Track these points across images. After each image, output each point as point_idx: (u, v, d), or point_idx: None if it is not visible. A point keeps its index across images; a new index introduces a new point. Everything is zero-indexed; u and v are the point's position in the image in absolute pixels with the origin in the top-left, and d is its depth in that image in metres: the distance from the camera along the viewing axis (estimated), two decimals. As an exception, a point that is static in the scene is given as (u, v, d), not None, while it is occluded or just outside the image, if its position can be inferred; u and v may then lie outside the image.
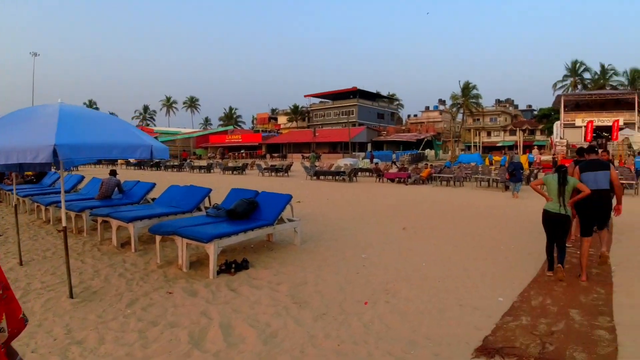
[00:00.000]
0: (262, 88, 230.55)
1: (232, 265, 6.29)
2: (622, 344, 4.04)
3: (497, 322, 4.58)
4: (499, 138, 78.30)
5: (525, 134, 71.62)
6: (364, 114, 77.51)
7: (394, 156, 40.89)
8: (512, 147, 64.90)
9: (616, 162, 36.25)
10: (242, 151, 68.20)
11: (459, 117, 77.66)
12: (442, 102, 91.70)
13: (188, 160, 45.12)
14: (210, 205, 9.80)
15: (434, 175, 22.56)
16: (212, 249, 5.97)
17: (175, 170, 37.12)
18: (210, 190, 9.40)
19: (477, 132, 77.82)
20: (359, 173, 28.65)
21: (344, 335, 4.27)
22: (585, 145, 38.29)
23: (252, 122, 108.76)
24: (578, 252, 6.66)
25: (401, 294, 5.44)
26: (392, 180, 23.42)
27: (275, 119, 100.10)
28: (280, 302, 5.15)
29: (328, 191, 18.70)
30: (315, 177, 25.79)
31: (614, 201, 6.58)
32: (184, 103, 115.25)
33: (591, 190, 5.95)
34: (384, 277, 6.13)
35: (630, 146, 41.25)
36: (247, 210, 7.20)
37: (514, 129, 75.65)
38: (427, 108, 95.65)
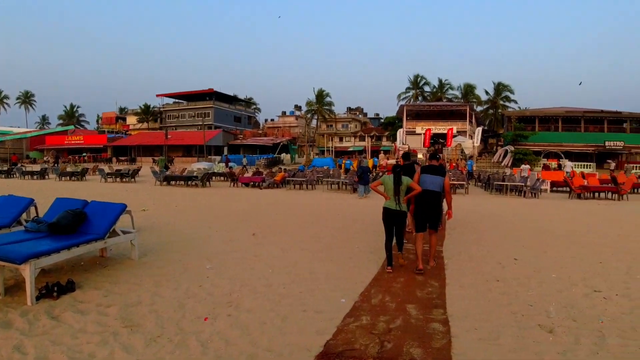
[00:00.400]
0: (110, 85, 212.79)
1: (54, 288, 5.48)
2: (455, 335, 4.37)
3: (339, 325, 4.64)
4: (350, 143, 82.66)
5: (373, 140, 76.53)
6: (221, 116, 76.11)
7: (244, 160, 40.62)
8: (362, 152, 69.02)
9: (447, 166, 40.83)
10: (84, 154, 62.09)
11: (314, 122, 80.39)
12: (298, 107, 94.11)
13: (19, 165, 39.59)
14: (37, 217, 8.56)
15: (287, 179, 22.89)
16: (27, 271, 5.13)
17: (3, 176, 32.26)
18: (32, 200, 8.18)
19: (331, 138, 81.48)
20: (213, 178, 27.97)
21: (180, 358, 3.94)
22: (424, 150, 42.18)
23: (97, 122, 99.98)
24: (414, 248, 7.22)
25: (244, 305, 5.24)
26: (247, 185, 23.23)
27: (124, 119, 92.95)
28: (108, 327, 4.60)
29: (178, 198, 17.80)
30: (165, 183, 24.47)
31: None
32: (17, 98, 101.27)
33: (425, 190, 6.83)
34: (228, 288, 5.88)
35: (462, 151, 46.61)
36: (73, 223, 6.36)
37: (363, 135, 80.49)
38: (284, 113, 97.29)
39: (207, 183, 24.22)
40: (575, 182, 19.23)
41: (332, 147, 70.76)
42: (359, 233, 9.91)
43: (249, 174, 26.33)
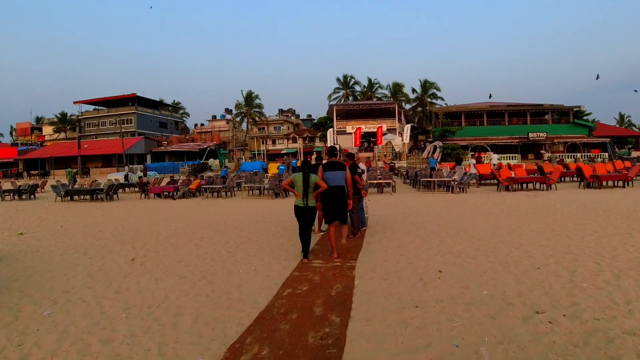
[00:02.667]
0: (25, 93, 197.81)
1: None
2: None
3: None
4: (283, 145, 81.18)
5: (306, 141, 75.75)
6: (145, 123, 71.85)
7: (139, 168, 37.54)
8: (295, 154, 67.67)
9: (380, 164, 40.20)
10: (-9, 170, 56.37)
11: (244, 125, 78.07)
12: (228, 111, 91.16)
13: None
14: None
15: (203, 186, 20.88)
16: None
17: None
18: None
19: (264, 141, 79.57)
20: (126, 189, 25.41)
21: None
22: (356, 149, 41.56)
23: (11, 133, 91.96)
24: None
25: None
26: (159, 195, 21.00)
27: (40, 130, 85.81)
28: None
29: (72, 216, 15.41)
30: (68, 199, 21.65)
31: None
32: None
33: (329, 186, 7.13)
34: (50, 348, 4.17)
35: (393, 149, 46.32)
36: None
37: (296, 136, 79.31)
38: (214, 117, 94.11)
39: (115, 196, 21.67)
40: (503, 175, 18.67)
41: (263, 150, 69.09)
42: (262, 248, 8.32)
43: (163, 184, 23.98)
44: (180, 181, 22.38)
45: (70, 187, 25.99)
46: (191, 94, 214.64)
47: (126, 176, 31.37)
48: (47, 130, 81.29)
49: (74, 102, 74.67)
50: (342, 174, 7.34)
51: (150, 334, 4.47)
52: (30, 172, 54.74)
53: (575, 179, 22.15)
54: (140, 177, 24.21)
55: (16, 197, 23.89)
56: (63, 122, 77.16)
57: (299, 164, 29.69)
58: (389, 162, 37.53)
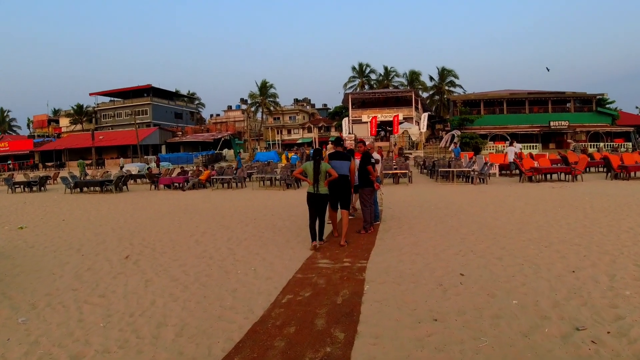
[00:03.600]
0: (41, 86, 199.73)
1: None
2: None
3: None
4: (298, 135, 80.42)
5: (321, 131, 74.88)
6: (160, 113, 71.75)
7: (152, 159, 36.96)
8: (311, 143, 66.92)
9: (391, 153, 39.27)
10: (8, 162, 56.76)
11: (259, 115, 77.52)
12: (244, 101, 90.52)
13: None
14: None
15: (214, 177, 20.33)
16: None
17: None
18: None
19: (279, 131, 78.93)
20: (137, 180, 25.03)
21: None
22: (371, 138, 40.75)
23: (28, 126, 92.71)
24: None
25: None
26: (169, 187, 20.53)
27: (57, 122, 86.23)
28: None
29: (79, 208, 15.01)
30: (77, 190, 21.30)
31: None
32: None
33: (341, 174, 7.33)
34: None
35: (409, 138, 45.27)
36: None
37: (311, 126, 78.51)
38: (230, 107, 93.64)
39: (124, 187, 21.27)
40: (526, 165, 17.72)
41: (278, 140, 68.53)
42: (266, 245, 7.68)
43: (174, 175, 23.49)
44: (191, 172, 21.84)
45: (81, 178, 25.76)
46: (207, 84, 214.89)
47: (149, 167, 30.90)
48: (64, 122, 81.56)
49: (90, 94, 75.13)
50: (347, 163, 7.62)
51: (126, 350, 3.88)
52: (46, 163, 55.00)
53: (601, 169, 21.07)
54: (149, 168, 23.72)
55: (27, 189, 23.67)
56: (79, 113, 77.29)
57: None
58: (398, 151, 36.39)
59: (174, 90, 77.95)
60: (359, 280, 5.36)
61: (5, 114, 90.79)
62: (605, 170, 18.83)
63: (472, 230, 8.03)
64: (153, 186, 21.26)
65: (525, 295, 4.68)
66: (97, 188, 21.15)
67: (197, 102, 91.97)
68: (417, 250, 6.69)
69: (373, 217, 8.44)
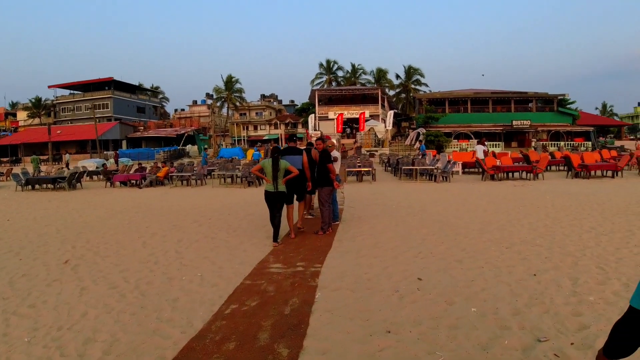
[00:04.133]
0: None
1: None
2: None
3: None
4: (265, 132, 79.57)
5: (288, 127, 74.32)
6: (122, 107, 69.41)
7: (111, 155, 35.47)
8: (277, 139, 66.24)
9: (364, 150, 39.21)
10: (-41, 157, 53.83)
11: (224, 111, 76.30)
12: (210, 96, 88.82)
13: None
14: None
15: (172, 174, 19.62)
16: None
17: None
18: None
19: (245, 127, 77.84)
20: (93, 177, 23.94)
21: None
22: (337, 135, 40.38)
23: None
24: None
25: None
26: (125, 184, 19.70)
27: (15, 115, 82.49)
28: None
29: (26, 207, 14.13)
30: (29, 187, 20.14)
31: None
32: None
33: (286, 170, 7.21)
34: None
35: (375, 135, 45.25)
36: None
37: (278, 122, 77.84)
38: (195, 102, 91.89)
39: (78, 184, 20.28)
40: (488, 163, 17.79)
41: (244, 136, 67.62)
42: (218, 247, 7.23)
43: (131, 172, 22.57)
44: (149, 168, 21.02)
45: (35, 174, 24.53)
46: (172, 79, 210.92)
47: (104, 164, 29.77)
48: (22, 115, 77.89)
49: (49, 87, 71.86)
50: (299, 158, 7.70)
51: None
52: (1, 159, 52.46)
53: (562, 168, 21.42)
54: (104, 165, 22.72)
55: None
56: (37, 107, 73.96)
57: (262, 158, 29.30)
58: (356, 150, 36.05)
59: (137, 84, 75.73)
60: (310, 287, 4.99)
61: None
62: (566, 168, 19.09)
63: (434, 231, 7.79)
64: (108, 183, 20.33)
65: (484, 302, 4.42)
66: (50, 185, 20.09)
67: (160, 96, 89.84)
68: (376, 253, 6.38)
69: (332, 218, 8.11)
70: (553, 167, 21.97)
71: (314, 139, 10.94)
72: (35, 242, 8.44)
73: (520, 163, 20.04)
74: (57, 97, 73.60)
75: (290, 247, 6.97)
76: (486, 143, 23.22)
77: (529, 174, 17.39)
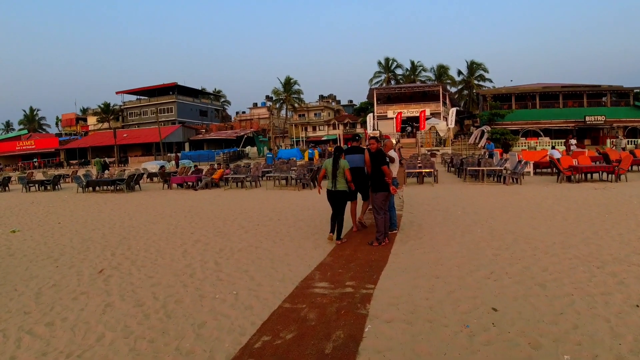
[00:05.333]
0: (70, 84, 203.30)
1: None
2: None
3: None
4: (323, 132, 79.29)
5: (347, 128, 73.60)
6: (185, 111, 71.55)
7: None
8: (336, 140, 65.66)
9: (423, 150, 37.75)
10: (34, 160, 57.34)
11: (283, 112, 76.75)
12: (269, 98, 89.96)
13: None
14: None
15: (226, 176, 19.36)
16: None
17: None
18: None
19: (304, 127, 77.93)
20: (153, 179, 24.28)
21: None
22: (397, 135, 39.26)
23: (57, 124, 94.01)
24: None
25: None
26: (181, 186, 19.69)
27: (85, 120, 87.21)
28: None
29: (81, 209, 14.29)
30: (90, 189, 20.65)
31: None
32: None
33: (351, 167, 7.28)
34: None
35: (437, 134, 43.57)
36: None
37: (336, 122, 77.31)
38: (255, 105, 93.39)
39: (136, 186, 20.53)
40: (564, 163, 16.10)
41: (302, 137, 67.57)
42: (260, 259, 6.55)
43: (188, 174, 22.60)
44: (205, 170, 20.94)
45: (99, 176, 25.24)
46: (234, 82, 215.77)
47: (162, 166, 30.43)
48: (92, 120, 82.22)
49: (116, 93, 75.44)
50: (361, 156, 7.56)
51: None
52: (70, 161, 55.31)
53: (645, 168, 19.28)
54: (162, 167, 22.91)
55: (41, 188, 23.21)
56: (106, 112, 77.75)
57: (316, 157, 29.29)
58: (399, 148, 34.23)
59: (199, 88, 77.78)
60: (360, 315, 4.16)
61: (35, 113, 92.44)
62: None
63: (507, 244, 6.70)
64: (166, 185, 20.43)
65: (579, 346, 3.43)
66: (110, 187, 20.46)
67: (222, 99, 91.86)
68: (438, 272, 5.44)
69: (388, 227, 7.21)
70: (635, 167, 19.75)
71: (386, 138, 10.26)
72: (78, 247, 8.19)
73: (599, 163, 18.09)
74: (124, 102, 76.98)
75: (340, 260, 6.16)
76: (572, 142, 21.10)
77: (609, 175, 15.58)
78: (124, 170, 27.92)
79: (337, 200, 7.22)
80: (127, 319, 4.48)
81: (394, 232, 7.78)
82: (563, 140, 39.37)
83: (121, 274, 6.17)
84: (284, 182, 18.75)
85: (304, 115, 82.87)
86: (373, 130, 45.34)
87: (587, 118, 44.20)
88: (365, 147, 7.53)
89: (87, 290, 5.56)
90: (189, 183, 19.40)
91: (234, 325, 4.16)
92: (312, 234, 8.12)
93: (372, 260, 6.07)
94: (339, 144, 39.97)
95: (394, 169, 7.91)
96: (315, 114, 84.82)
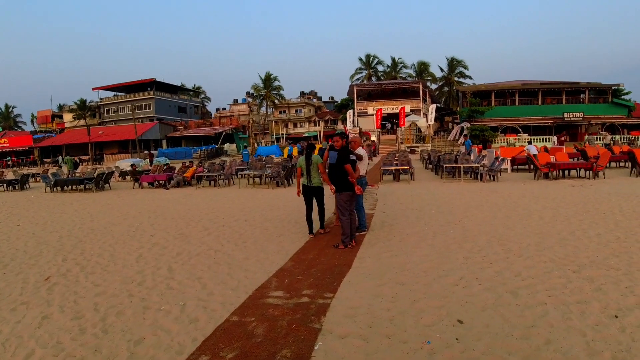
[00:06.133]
0: (46, 81, 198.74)
1: None
2: None
3: None
4: (304, 129, 78.84)
5: (328, 124, 73.25)
6: (163, 107, 70.25)
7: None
8: (317, 137, 65.22)
9: (403, 147, 37.60)
10: (8, 158, 55.70)
11: (263, 109, 76.05)
12: (250, 94, 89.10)
13: None
14: None
15: (198, 174, 18.78)
16: None
17: None
18: None
19: (285, 124, 77.29)
20: (126, 177, 23.54)
21: None
22: (377, 132, 39.07)
23: (32, 122, 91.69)
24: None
25: None
26: (152, 185, 19.06)
27: (61, 117, 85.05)
28: None
29: (45, 210, 13.65)
30: (58, 189, 19.85)
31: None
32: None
33: (330, 164, 6.85)
34: None
35: (418, 130, 43.44)
36: None
37: (317, 119, 76.89)
38: (236, 101, 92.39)
39: (106, 185, 19.82)
40: (541, 159, 15.94)
41: (283, 134, 66.95)
42: (217, 264, 6.11)
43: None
44: (177, 169, 20.32)
45: (69, 175, 24.43)
46: (215, 79, 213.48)
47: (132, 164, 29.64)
48: (68, 117, 79.88)
49: (93, 89, 73.61)
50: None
51: None
52: (44, 159, 53.84)
53: (623, 164, 19.25)
54: (132, 165, 22.18)
55: (9, 188, 22.27)
56: (82, 108, 75.63)
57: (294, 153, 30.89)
58: (368, 144, 33.75)
59: (178, 84, 76.51)
60: (311, 330, 3.75)
61: (10, 110, 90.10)
62: (629, 165, 16.96)
63: (479, 246, 6.36)
64: (137, 184, 19.75)
65: (554, 363, 3.08)
66: (80, 186, 19.73)
67: (202, 96, 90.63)
68: (404, 277, 5.06)
69: (355, 228, 6.83)
70: (612, 164, 19.75)
71: (352, 135, 9.80)
72: (30, 252, 7.65)
73: (576, 159, 18.02)
74: (101, 99, 75.30)
75: (302, 265, 5.75)
76: (516, 137, 21.05)
77: (588, 172, 15.47)
78: (95, 168, 27.08)
79: (312, 195, 7.41)
80: (62, 334, 4.03)
81: (363, 232, 7.41)
82: (547, 137, 39.69)
83: (67, 282, 5.69)
84: (257, 180, 18.28)
85: (284, 111, 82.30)
86: (353, 127, 45.03)
87: (566, 115, 44.46)
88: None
89: (28, 299, 5.08)
90: (160, 182, 18.77)
91: (173, 342, 3.72)
92: (277, 236, 7.70)
93: (335, 265, 5.68)
94: (311, 142, 39.64)
95: (362, 167, 7.52)
96: (296, 111, 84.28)
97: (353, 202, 6.65)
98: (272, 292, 4.77)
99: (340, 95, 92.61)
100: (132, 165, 22.08)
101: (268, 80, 69.12)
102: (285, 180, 16.51)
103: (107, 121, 71.69)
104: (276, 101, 72.79)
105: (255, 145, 51.87)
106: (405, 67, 66.54)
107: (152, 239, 8.07)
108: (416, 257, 5.90)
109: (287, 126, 78.90)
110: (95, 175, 20.11)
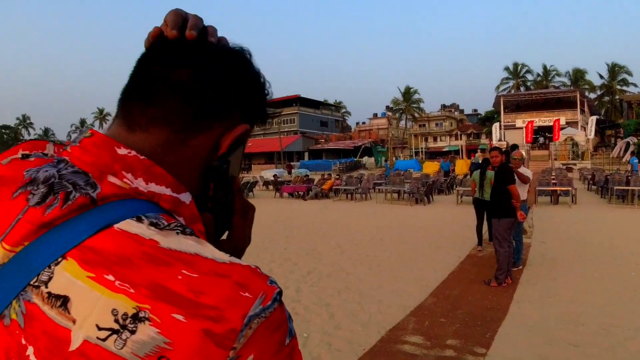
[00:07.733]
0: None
1: None
2: None
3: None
4: (445, 143, 76.08)
5: (470, 138, 69.80)
6: (306, 122, 73.74)
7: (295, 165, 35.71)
8: (458, 151, 62.54)
9: (557, 164, 33.88)
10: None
11: (402, 123, 75.24)
12: (389, 108, 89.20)
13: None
14: None
15: (336, 187, 18.70)
16: None
17: None
18: None
19: (424, 138, 75.53)
20: (269, 186, 24.59)
21: None
22: (527, 146, 35.87)
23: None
24: None
25: None
26: (291, 195, 19.50)
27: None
28: None
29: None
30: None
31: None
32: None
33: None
34: None
35: (575, 145, 39.12)
36: None
37: (459, 133, 73.79)
38: (375, 115, 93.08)
39: (250, 193, 20.82)
40: None
41: (422, 148, 65.29)
42: (345, 291, 5.53)
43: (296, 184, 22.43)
44: (316, 181, 20.60)
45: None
46: (355, 94, 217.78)
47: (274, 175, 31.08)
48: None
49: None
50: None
51: None
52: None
53: None
54: (274, 175, 23.12)
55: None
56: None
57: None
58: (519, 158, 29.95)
59: (321, 100, 79.65)
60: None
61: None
62: None
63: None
64: (277, 193, 20.48)
65: None
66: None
67: (343, 110, 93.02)
68: (578, 337, 3.94)
69: (511, 263, 5.75)
70: None
71: (517, 150, 8.49)
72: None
73: None
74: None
75: (445, 304, 4.91)
76: None
77: None
78: (242, 177, 28.82)
79: (484, 208, 7.57)
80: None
81: (518, 268, 6.27)
82: None
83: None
84: (395, 195, 17.58)
85: (424, 125, 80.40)
86: (499, 140, 41.96)
87: None
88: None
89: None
90: (299, 192, 19.14)
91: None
92: (415, 262, 6.93)
93: (487, 308, 4.73)
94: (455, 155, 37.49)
95: (523, 190, 6.37)
96: (436, 124, 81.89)
97: (512, 231, 5.62)
98: (409, 336, 4.04)
99: (484, 107, 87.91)
100: (275, 175, 23.01)
101: (407, 93, 68.27)
102: (425, 197, 15.55)
103: (255, 134, 76.89)
104: (415, 114, 71.48)
105: (394, 159, 51.29)
106: (559, 74, 60.51)
107: (284, 253, 7.85)
108: (591, 307, 4.69)
109: (426, 140, 76.85)
110: (241, 183, 21.22)
